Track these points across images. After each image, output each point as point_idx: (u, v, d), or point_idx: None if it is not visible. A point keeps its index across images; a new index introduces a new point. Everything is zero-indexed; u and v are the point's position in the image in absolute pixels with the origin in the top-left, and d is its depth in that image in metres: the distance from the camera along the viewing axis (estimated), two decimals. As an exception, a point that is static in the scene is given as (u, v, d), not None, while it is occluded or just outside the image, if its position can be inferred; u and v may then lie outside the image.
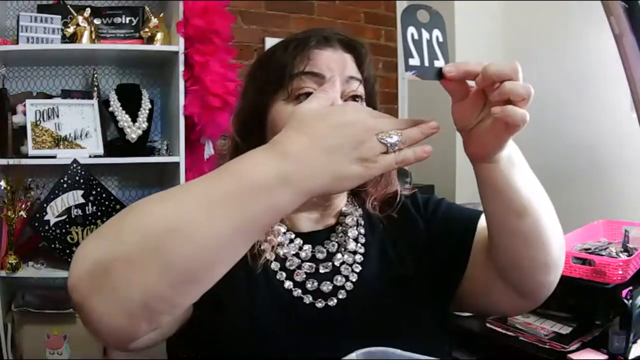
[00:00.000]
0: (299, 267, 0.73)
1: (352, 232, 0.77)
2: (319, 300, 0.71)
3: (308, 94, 0.69)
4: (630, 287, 1.25)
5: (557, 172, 2.10)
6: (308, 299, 0.70)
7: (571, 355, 1.27)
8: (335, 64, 0.72)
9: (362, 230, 0.79)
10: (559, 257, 0.68)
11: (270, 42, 2.26)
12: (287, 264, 0.73)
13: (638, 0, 1.41)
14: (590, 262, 1.29)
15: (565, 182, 2.07)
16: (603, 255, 1.32)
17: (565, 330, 1.35)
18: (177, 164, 1.76)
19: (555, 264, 0.68)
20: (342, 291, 0.72)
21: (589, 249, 1.40)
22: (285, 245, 0.75)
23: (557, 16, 2.10)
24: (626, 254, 1.33)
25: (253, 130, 0.76)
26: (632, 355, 1.24)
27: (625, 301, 1.23)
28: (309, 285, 0.72)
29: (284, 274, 0.72)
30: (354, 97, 0.74)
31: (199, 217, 0.49)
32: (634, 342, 1.25)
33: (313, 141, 0.50)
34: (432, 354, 0.64)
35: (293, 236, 0.76)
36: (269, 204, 0.50)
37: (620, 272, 1.25)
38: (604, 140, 1.94)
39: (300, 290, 0.71)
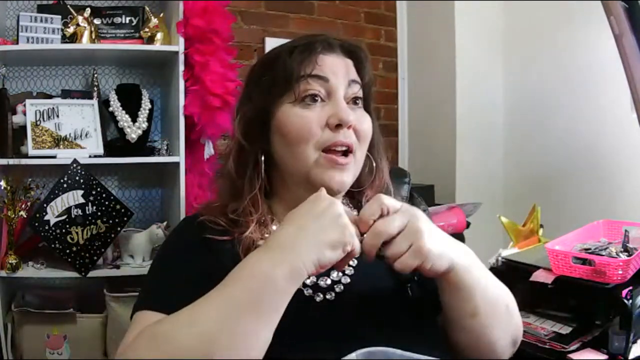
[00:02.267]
0: None
1: None
2: (318, 293, 0.73)
3: (313, 95, 0.75)
4: (630, 287, 1.24)
5: (557, 172, 2.10)
6: (307, 292, 0.73)
7: (571, 355, 1.26)
8: (339, 69, 0.77)
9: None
10: (507, 350, 0.77)
11: (270, 42, 2.26)
12: None
13: (638, 0, 1.41)
14: (590, 262, 1.29)
15: (565, 182, 2.07)
16: (603, 255, 1.32)
17: (565, 330, 1.35)
18: (177, 164, 1.76)
19: (503, 356, 0.76)
20: (340, 285, 0.74)
21: (589, 249, 1.39)
22: None
23: (557, 16, 2.10)
24: (626, 254, 1.33)
25: (258, 133, 0.79)
26: (632, 355, 1.24)
27: (625, 301, 1.23)
28: (307, 280, 0.73)
29: None
30: (355, 99, 0.78)
31: (227, 334, 0.56)
32: (634, 342, 1.25)
33: (298, 229, 0.61)
34: (431, 345, 0.65)
35: None
36: (274, 290, 0.58)
37: (620, 272, 1.25)
38: (604, 140, 1.95)
39: None
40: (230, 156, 0.81)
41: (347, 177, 0.75)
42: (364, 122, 0.78)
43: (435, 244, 0.64)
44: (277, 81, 0.77)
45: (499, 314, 0.73)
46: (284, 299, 0.59)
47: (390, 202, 0.65)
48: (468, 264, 0.69)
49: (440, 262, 0.64)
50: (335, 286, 0.74)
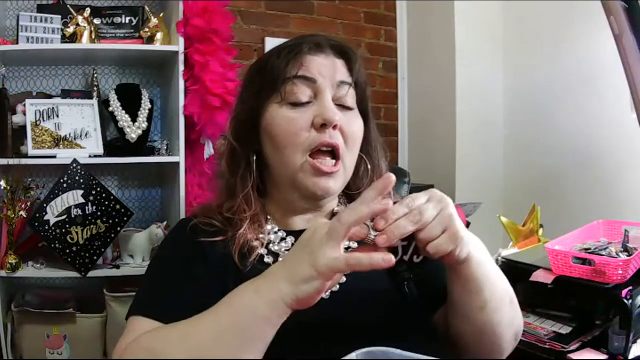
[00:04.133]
0: None
1: None
2: None
3: (300, 97, 0.75)
4: (630, 287, 1.25)
5: (557, 172, 2.10)
6: None
7: (571, 355, 1.27)
8: (326, 70, 0.77)
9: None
10: (510, 344, 0.76)
11: (270, 42, 2.26)
12: (280, 258, 0.76)
13: (638, 1, 1.41)
14: (590, 262, 1.29)
15: (565, 181, 2.07)
16: (603, 255, 1.32)
17: (565, 330, 1.35)
18: (177, 164, 1.76)
19: (505, 350, 0.76)
20: (336, 284, 0.74)
21: (589, 249, 1.39)
22: (277, 243, 0.78)
23: (557, 16, 2.10)
24: (626, 254, 1.33)
25: (248, 134, 0.80)
26: (632, 355, 1.24)
27: (625, 301, 1.23)
28: None
29: None
30: (345, 101, 0.77)
31: (215, 347, 0.59)
32: (634, 342, 1.25)
33: (283, 262, 0.61)
34: (428, 345, 0.65)
35: (285, 235, 0.79)
36: (255, 320, 0.59)
37: (620, 272, 1.25)
38: (604, 141, 1.94)
39: None
40: (224, 157, 0.83)
41: (334, 183, 0.76)
42: (354, 125, 0.78)
43: (464, 230, 0.62)
44: (265, 83, 0.78)
45: (505, 308, 0.73)
46: (266, 328, 0.59)
47: (418, 202, 0.60)
48: (482, 258, 0.67)
49: (465, 249, 0.63)
50: None
